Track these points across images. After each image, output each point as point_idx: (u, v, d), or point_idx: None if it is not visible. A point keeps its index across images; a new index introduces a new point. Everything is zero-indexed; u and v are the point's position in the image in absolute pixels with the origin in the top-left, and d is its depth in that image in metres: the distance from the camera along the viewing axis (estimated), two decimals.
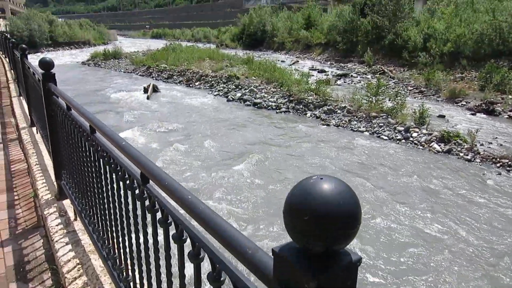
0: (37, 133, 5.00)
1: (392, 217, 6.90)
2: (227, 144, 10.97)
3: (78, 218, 2.86)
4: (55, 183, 3.34)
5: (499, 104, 15.05)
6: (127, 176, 1.63)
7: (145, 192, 1.45)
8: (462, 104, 16.15)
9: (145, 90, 18.56)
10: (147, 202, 1.45)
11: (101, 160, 1.97)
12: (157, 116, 14.12)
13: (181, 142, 11.02)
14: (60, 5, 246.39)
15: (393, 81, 22.21)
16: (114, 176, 1.82)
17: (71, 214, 3.03)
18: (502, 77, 16.40)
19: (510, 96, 15.44)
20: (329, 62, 33.50)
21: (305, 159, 9.80)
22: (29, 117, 5.70)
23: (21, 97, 7.08)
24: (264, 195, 7.68)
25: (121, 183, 1.74)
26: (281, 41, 46.08)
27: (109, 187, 1.93)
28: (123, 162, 1.66)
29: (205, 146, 10.73)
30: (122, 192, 1.76)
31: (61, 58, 38.40)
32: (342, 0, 74.63)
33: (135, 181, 1.54)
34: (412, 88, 19.83)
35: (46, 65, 3.06)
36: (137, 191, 1.54)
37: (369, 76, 24.42)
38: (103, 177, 1.99)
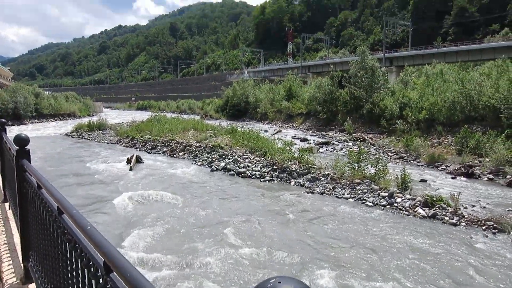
0: (9, 209, 4.79)
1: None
2: (209, 216, 10.69)
3: None
4: (22, 265, 3.11)
5: (477, 167, 15.44)
6: (91, 263, 1.52)
7: (108, 283, 1.34)
8: (442, 168, 16.51)
9: (128, 161, 18.43)
10: None
11: (67, 244, 1.85)
12: (139, 188, 13.87)
13: (161, 214, 10.71)
14: (48, 78, 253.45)
15: (374, 148, 22.77)
16: (79, 262, 1.69)
17: None
18: (477, 142, 17.05)
19: (487, 159, 15.91)
20: (311, 131, 34.43)
21: (290, 231, 9.58)
22: (2, 192, 5.49)
23: None
24: (245, 278, 7.34)
25: (85, 270, 1.61)
26: (264, 111, 47.60)
27: (74, 273, 1.78)
28: (88, 248, 1.55)
29: (186, 219, 10.43)
30: (86, 280, 1.62)
31: (45, 129, 38.50)
32: (321, 73, 79.04)
33: (99, 269, 1.43)
34: (392, 154, 20.31)
35: (21, 141, 3.02)
36: (101, 281, 1.42)
37: (350, 144, 25.03)
38: (68, 262, 1.85)
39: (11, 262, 3.38)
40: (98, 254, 1.43)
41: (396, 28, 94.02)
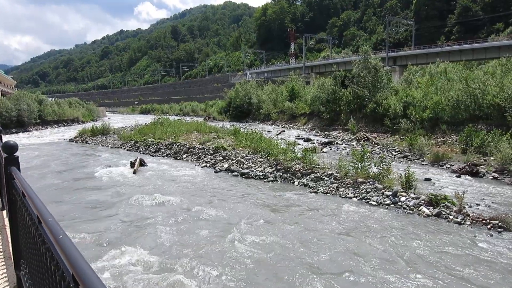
0: (6, 217, 4.76)
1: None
2: (214, 217, 10.64)
3: None
4: (15, 273, 3.07)
5: (482, 166, 15.28)
6: (65, 274, 1.45)
7: None
8: (446, 167, 16.36)
9: (132, 165, 18.44)
10: None
11: (46, 253, 1.79)
12: (143, 191, 13.84)
13: (165, 217, 10.68)
14: (51, 85, 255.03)
15: (378, 147, 22.63)
16: (56, 273, 1.62)
17: None
18: (482, 140, 16.88)
19: (492, 158, 15.74)
20: (314, 131, 34.33)
21: (294, 231, 9.50)
22: (0, 199, 5.47)
23: None
24: (250, 280, 7.28)
25: (62, 283, 1.53)
26: (267, 112, 47.57)
27: (54, 284, 1.71)
28: (62, 259, 1.48)
29: (190, 220, 10.39)
30: None
31: (49, 136, 38.66)
32: (323, 73, 78.95)
33: (70, 283, 1.36)
34: (396, 153, 20.16)
35: (9, 148, 2.96)
36: None
37: (354, 143, 24.90)
38: (49, 273, 1.78)
39: (5, 270, 3.34)
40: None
41: (399, 27, 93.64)
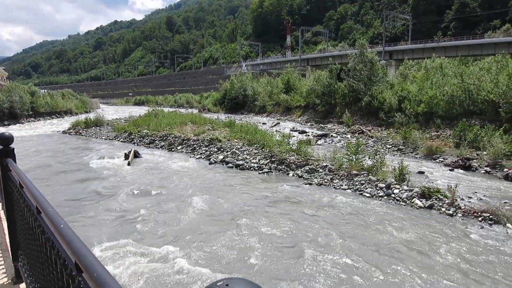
0: (1, 209, 4.76)
1: (376, 280, 6.63)
2: (208, 209, 10.69)
3: None
4: (13, 264, 3.09)
5: (475, 160, 15.45)
6: (66, 263, 1.48)
7: (81, 284, 1.30)
8: (440, 160, 16.52)
9: (126, 156, 18.41)
10: None
11: (46, 243, 1.81)
12: (136, 182, 13.85)
13: (160, 208, 10.71)
14: (43, 76, 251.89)
15: (372, 140, 22.74)
16: (57, 262, 1.64)
17: None
18: (475, 135, 17.06)
19: (484, 152, 15.91)
20: (309, 123, 34.39)
21: (288, 221, 9.58)
22: None
23: None
24: (245, 267, 7.34)
25: (63, 270, 1.56)
26: (262, 104, 47.50)
27: (55, 273, 1.74)
28: (64, 248, 1.51)
29: (185, 212, 10.43)
30: (65, 280, 1.57)
31: (42, 127, 38.33)
32: (319, 66, 78.81)
33: (72, 269, 1.39)
34: (390, 146, 20.29)
35: (5, 140, 2.96)
36: (76, 282, 1.37)
37: (348, 136, 25.00)
38: (49, 262, 1.81)
39: (2, 262, 3.36)
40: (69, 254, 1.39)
41: (396, 22, 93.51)
